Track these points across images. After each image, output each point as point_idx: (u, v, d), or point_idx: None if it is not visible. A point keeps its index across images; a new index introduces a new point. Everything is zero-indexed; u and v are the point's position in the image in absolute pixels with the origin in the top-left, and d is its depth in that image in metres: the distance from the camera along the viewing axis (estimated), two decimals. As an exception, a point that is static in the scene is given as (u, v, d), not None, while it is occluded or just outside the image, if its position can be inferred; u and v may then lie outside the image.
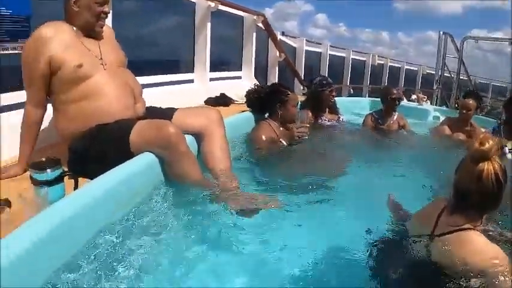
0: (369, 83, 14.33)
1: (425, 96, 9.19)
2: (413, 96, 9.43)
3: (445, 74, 8.00)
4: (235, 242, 2.05)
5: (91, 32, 2.55)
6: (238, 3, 6.30)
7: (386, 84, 16.32)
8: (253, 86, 3.80)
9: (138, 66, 4.48)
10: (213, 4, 5.60)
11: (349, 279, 1.84)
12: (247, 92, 3.76)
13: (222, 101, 5.04)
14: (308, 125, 3.54)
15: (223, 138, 2.72)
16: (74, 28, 2.49)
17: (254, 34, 7.18)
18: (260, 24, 7.18)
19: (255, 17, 7.00)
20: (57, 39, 2.37)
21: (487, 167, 1.60)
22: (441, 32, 7.62)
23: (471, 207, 1.69)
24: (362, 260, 1.85)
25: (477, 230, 1.68)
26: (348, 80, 13.98)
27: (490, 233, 1.92)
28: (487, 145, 1.60)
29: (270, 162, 3.15)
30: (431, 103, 8.30)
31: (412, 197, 2.04)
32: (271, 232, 2.17)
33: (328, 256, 1.96)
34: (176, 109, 2.77)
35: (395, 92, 4.76)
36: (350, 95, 11.22)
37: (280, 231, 2.20)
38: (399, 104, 4.76)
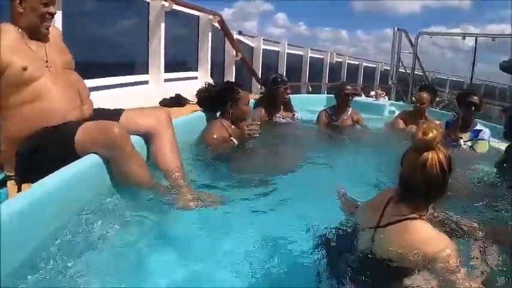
0: (328, 81, 14.58)
1: (384, 92, 9.45)
2: (372, 93, 9.68)
3: (402, 70, 8.27)
4: (184, 241, 2.09)
5: (36, 33, 2.50)
6: (194, 3, 6.30)
7: (345, 81, 16.67)
8: (204, 85, 3.81)
9: (92, 68, 4.43)
10: (167, 4, 5.58)
11: (299, 274, 1.88)
12: (198, 91, 3.76)
13: (177, 101, 5.03)
14: (259, 123, 3.57)
15: (172, 138, 2.74)
16: (19, 30, 2.45)
17: (210, 34, 7.20)
18: (216, 24, 7.22)
19: (210, 17, 7.02)
20: (1, 42, 2.32)
21: (431, 156, 1.64)
22: (395, 28, 7.93)
23: (416, 196, 1.71)
24: (312, 254, 1.88)
25: (423, 219, 1.71)
26: (307, 77, 14.18)
27: (439, 219, 2.02)
28: (430, 135, 1.63)
29: (221, 161, 3.17)
30: (389, 98, 8.56)
31: (363, 190, 2.12)
32: (220, 230, 2.21)
33: (278, 252, 1.98)
34: (124, 110, 2.76)
35: (348, 87, 4.89)
36: (309, 93, 11.38)
37: (231, 228, 2.23)
38: (352, 99, 4.90)
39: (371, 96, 8.49)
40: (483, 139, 4.09)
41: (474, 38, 7.41)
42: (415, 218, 1.69)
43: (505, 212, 2.53)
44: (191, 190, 2.51)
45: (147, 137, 2.71)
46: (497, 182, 3.08)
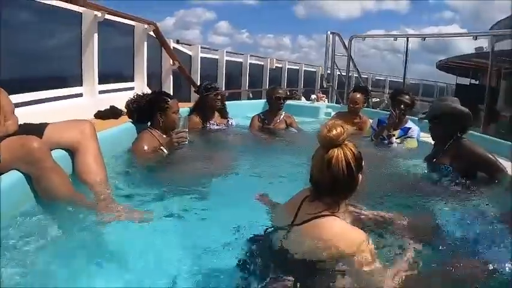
0: (268, 86, 14.87)
1: (324, 95, 9.80)
2: (313, 96, 10.00)
3: (343, 73, 8.58)
4: (108, 255, 2.07)
5: None
6: (139, 12, 6.29)
7: (286, 86, 17.07)
8: (133, 96, 3.77)
9: (23, 82, 4.36)
10: (99, 14, 5.59)
11: (227, 277, 1.87)
12: (127, 102, 3.72)
13: (112, 113, 4.97)
14: (187, 130, 3.56)
15: (96, 150, 2.72)
16: None
17: (145, 43, 7.24)
18: (152, 33, 7.29)
19: (145, 26, 7.07)
20: None
21: (337, 153, 1.68)
22: (329, 32, 8.24)
23: (326, 193, 1.75)
24: (239, 256, 1.89)
25: (336, 216, 1.75)
26: (247, 84, 14.44)
27: (358, 214, 2.12)
28: (334, 131, 1.67)
29: (152, 172, 3.21)
30: (329, 101, 8.88)
31: (291, 190, 2.19)
32: (146, 242, 2.21)
33: (206, 256, 2.00)
34: (48, 124, 2.70)
35: (279, 91, 5.05)
36: (249, 99, 11.59)
37: (157, 238, 2.24)
38: (284, 103, 5.06)
39: (312, 100, 8.77)
40: (412, 137, 4.37)
41: (405, 38, 7.84)
42: (327, 215, 1.73)
43: (427, 204, 2.71)
44: (116, 204, 2.50)
45: (72, 151, 2.69)
46: (424, 176, 3.27)
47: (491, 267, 1.90)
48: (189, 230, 2.34)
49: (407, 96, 4.42)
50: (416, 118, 4.14)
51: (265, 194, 2.43)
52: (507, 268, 1.89)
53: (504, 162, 3.92)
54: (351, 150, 1.71)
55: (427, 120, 3.45)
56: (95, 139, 2.74)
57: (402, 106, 4.34)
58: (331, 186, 1.72)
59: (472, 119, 3.21)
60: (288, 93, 5.62)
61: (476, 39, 7.07)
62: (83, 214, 2.32)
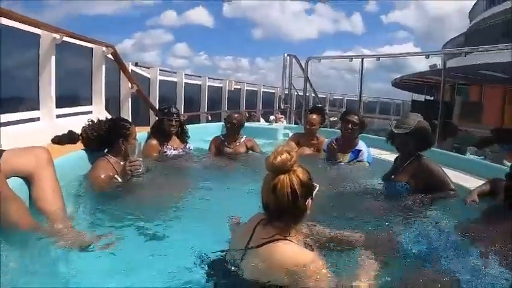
0: (227, 108, 15.03)
1: (283, 116, 10.01)
2: (272, 117, 10.18)
3: (301, 94, 8.79)
4: (66, 281, 2.06)
5: None
6: (96, 34, 6.28)
7: (244, 107, 17.29)
8: (87, 122, 3.66)
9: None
10: (58, 36, 5.56)
11: None
12: (82, 129, 3.61)
13: (70, 138, 4.86)
14: (141, 159, 3.49)
15: (52, 177, 2.67)
16: None
17: (103, 66, 7.22)
18: (110, 56, 7.26)
19: (104, 49, 7.04)
20: None
21: (283, 179, 1.76)
22: (286, 54, 8.49)
23: (275, 217, 1.82)
24: (200, 280, 1.96)
25: (288, 239, 1.80)
26: (206, 107, 14.54)
27: (314, 236, 2.14)
28: (279, 158, 1.75)
29: (109, 200, 3.14)
30: (288, 122, 9.06)
31: (250, 214, 2.13)
32: (102, 269, 2.21)
33: (165, 283, 2.02)
34: (4, 151, 2.63)
35: (235, 116, 5.05)
36: (208, 122, 11.67)
37: (114, 266, 2.23)
38: (242, 127, 5.07)
39: (270, 121, 8.93)
40: (362, 160, 4.46)
41: (360, 59, 8.15)
42: (279, 239, 1.79)
43: (385, 220, 2.79)
44: (72, 231, 2.48)
45: (28, 178, 2.63)
46: (382, 194, 3.39)
47: (451, 277, 2.03)
48: (147, 255, 2.32)
49: (355, 116, 4.52)
50: (370, 136, 4.19)
51: (235, 219, 2.44)
52: (466, 275, 2.03)
53: (458, 175, 4.13)
54: (298, 176, 1.79)
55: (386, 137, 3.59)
56: (51, 166, 2.70)
57: (350, 126, 4.44)
58: (277, 211, 1.80)
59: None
60: (246, 116, 5.66)
61: (428, 57, 7.42)
62: (40, 242, 2.28)
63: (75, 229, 2.50)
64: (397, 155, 3.64)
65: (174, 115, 4.67)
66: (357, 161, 4.45)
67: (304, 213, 1.87)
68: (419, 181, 3.21)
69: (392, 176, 3.42)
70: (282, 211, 1.79)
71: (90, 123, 3.61)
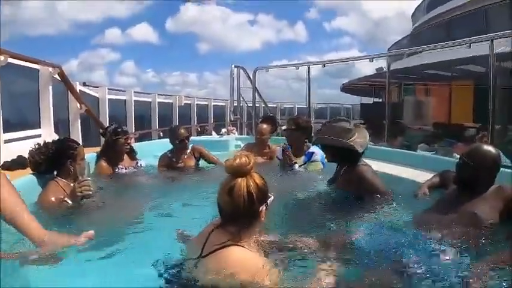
0: (178, 123, 15.08)
1: (234, 128, 10.15)
2: (223, 130, 10.31)
3: (250, 105, 8.95)
4: None
5: None
6: (40, 55, 6.21)
7: (196, 122, 17.39)
8: (34, 146, 3.60)
9: None
10: (2, 58, 5.47)
11: None
12: (29, 153, 3.56)
13: (20, 163, 4.79)
14: (89, 178, 3.42)
15: (6, 181, 2.51)
16: None
17: (51, 87, 7.15)
18: (57, 76, 7.22)
19: (50, 69, 6.99)
20: None
21: (240, 182, 1.81)
22: (233, 66, 8.58)
23: (231, 222, 1.86)
24: None
25: (240, 244, 1.83)
26: (157, 123, 14.55)
27: (267, 241, 2.17)
28: (238, 160, 1.82)
29: (61, 224, 3.04)
30: (239, 133, 9.21)
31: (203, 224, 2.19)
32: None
33: None
34: None
35: (181, 131, 5.03)
36: (160, 138, 11.69)
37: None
38: (188, 141, 5.07)
39: (222, 134, 9.04)
40: (316, 161, 4.59)
41: (307, 66, 8.42)
42: (231, 245, 1.82)
43: (336, 223, 2.85)
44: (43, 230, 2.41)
45: None
46: (326, 199, 3.46)
47: (407, 268, 2.11)
48: (101, 274, 2.32)
49: (291, 122, 4.72)
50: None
51: (184, 231, 2.45)
52: (423, 265, 2.13)
53: (411, 171, 4.41)
54: (255, 181, 1.85)
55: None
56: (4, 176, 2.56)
57: (288, 132, 4.67)
58: (232, 213, 1.85)
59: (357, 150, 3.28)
60: (198, 130, 5.65)
61: (372, 61, 7.69)
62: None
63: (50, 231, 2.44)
64: None
65: (128, 134, 4.68)
66: (311, 162, 4.59)
67: (258, 219, 1.92)
68: (353, 188, 3.27)
69: (335, 183, 3.52)
70: (237, 214, 1.84)
71: (37, 146, 3.57)
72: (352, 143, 3.27)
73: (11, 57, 5.70)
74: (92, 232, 2.37)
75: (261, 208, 1.90)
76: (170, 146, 5.07)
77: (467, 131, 9.96)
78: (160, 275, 2.04)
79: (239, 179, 1.83)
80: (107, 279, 2.22)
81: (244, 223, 1.88)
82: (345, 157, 3.37)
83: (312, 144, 3.91)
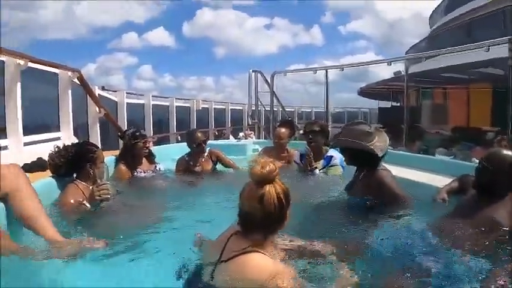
0: (196, 127, 15.11)
1: (252, 132, 10.12)
2: (241, 134, 10.28)
3: (268, 109, 8.92)
4: None
5: None
6: (56, 59, 6.27)
7: (213, 126, 17.42)
8: (53, 149, 3.61)
9: None
10: (22, 62, 5.56)
11: None
12: (49, 156, 3.57)
13: (40, 165, 4.84)
14: (108, 182, 3.43)
15: (29, 186, 2.68)
16: None
17: (70, 91, 7.23)
18: (76, 80, 7.28)
19: (69, 73, 7.06)
20: None
21: (269, 189, 1.78)
22: (251, 71, 8.55)
23: (255, 229, 1.84)
24: None
25: (261, 251, 1.82)
26: (175, 127, 14.60)
27: (285, 247, 2.16)
28: (267, 168, 1.78)
29: (81, 226, 3.04)
30: (257, 137, 9.18)
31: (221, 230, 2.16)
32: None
33: None
34: None
35: (198, 135, 5.00)
36: (178, 142, 11.72)
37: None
38: (205, 145, 5.02)
39: (240, 138, 9.00)
40: (335, 165, 4.56)
41: (325, 70, 8.37)
42: (251, 251, 1.81)
43: (353, 229, 2.82)
44: (64, 238, 2.52)
45: (5, 197, 2.63)
46: (345, 204, 3.40)
47: (425, 273, 2.09)
48: (121, 277, 2.31)
49: (314, 125, 4.68)
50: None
51: (203, 237, 2.40)
52: (441, 271, 2.10)
53: (429, 175, 4.32)
54: (281, 186, 1.84)
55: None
56: (24, 176, 2.73)
57: (310, 135, 4.59)
58: (262, 221, 1.82)
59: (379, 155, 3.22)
60: (216, 134, 5.64)
61: (390, 64, 7.57)
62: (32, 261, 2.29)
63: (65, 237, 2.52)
64: None
65: (146, 137, 4.68)
66: (330, 166, 4.55)
67: (283, 224, 1.90)
68: (372, 195, 3.20)
69: (353, 189, 3.44)
70: (266, 221, 1.82)
71: (57, 149, 3.58)
72: (372, 147, 3.20)
73: (31, 61, 5.77)
74: (104, 243, 2.45)
75: (288, 213, 1.89)
76: (188, 150, 5.05)
77: (486, 135, 9.79)
78: (179, 279, 2.04)
79: (267, 186, 1.80)
80: (125, 282, 2.23)
81: (271, 228, 1.88)
82: (364, 161, 3.29)
83: (331, 147, 3.84)
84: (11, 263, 2.22)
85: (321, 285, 1.95)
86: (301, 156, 4.66)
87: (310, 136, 4.62)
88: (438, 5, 22.28)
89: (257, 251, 1.81)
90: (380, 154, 3.21)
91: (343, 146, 3.49)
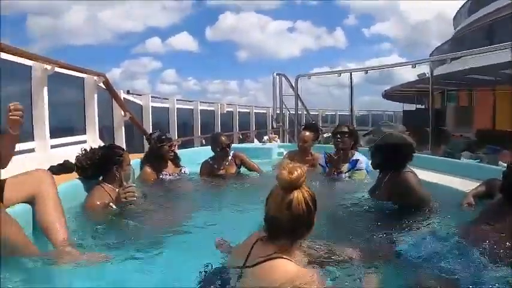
0: (220, 131, 15.13)
1: (276, 136, 10.10)
2: (265, 137, 10.26)
3: (292, 112, 8.90)
4: None
5: None
6: (82, 64, 6.37)
7: (238, 130, 17.45)
8: (80, 152, 3.67)
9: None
10: (49, 67, 5.64)
11: None
12: (77, 159, 3.63)
13: (66, 168, 4.90)
14: (134, 185, 3.51)
15: (55, 196, 2.74)
16: None
17: (96, 95, 7.32)
18: (102, 85, 7.38)
19: (95, 78, 7.14)
20: None
21: (297, 195, 1.75)
22: (275, 74, 8.57)
23: (282, 235, 1.81)
24: None
25: (287, 257, 1.79)
26: (199, 130, 14.66)
27: (310, 252, 2.13)
28: (295, 174, 1.75)
29: (107, 227, 3.13)
30: (281, 141, 9.16)
31: (245, 234, 2.15)
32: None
33: None
34: (5, 180, 2.69)
35: (222, 139, 5.03)
36: (202, 146, 11.77)
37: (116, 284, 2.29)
38: (230, 148, 5.05)
39: (264, 141, 8.99)
40: (360, 169, 4.56)
41: (349, 73, 8.32)
42: (278, 257, 1.78)
43: (379, 234, 2.76)
44: (74, 249, 2.51)
45: (32, 200, 2.70)
46: (371, 208, 3.37)
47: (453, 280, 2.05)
48: (146, 279, 2.33)
49: (345, 127, 4.67)
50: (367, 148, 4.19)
51: (224, 240, 2.42)
52: (470, 277, 2.06)
53: (455, 179, 4.26)
54: (308, 191, 1.81)
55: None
56: (53, 185, 2.79)
57: (340, 137, 4.59)
58: (291, 227, 1.79)
59: (413, 149, 3.30)
60: (240, 138, 5.64)
61: (414, 67, 7.52)
62: (40, 264, 2.34)
63: (76, 249, 2.54)
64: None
65: (171, 141, 4.74)
66: (356, 170, 4.54)
67: (311, 230, 1.88)
68: (397, 198, 3.18)
69: (377, 192, 3.42)
70: (295, 227, 1.80)
71: (84, 152, 3.64)
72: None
73: (58, 66, 5.86)
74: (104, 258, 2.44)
75: (314, 218, 1.86)
76: (212, 154, 5.09)
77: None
78: (200, 283, 2.03)
79: (295, 192, 1.77)
80: (147, 284, 2.26)
81: (299, 234, 1.85)
82: (397, 160, 3.26)
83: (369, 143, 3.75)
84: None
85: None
86: (330, 158, 4.63)
87: (339, 137, 4.61)
88: (462, 6, 21.92)
89: (283, 257, 1.79)
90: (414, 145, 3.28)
91: (388, 141, 3.39)
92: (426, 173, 4.36)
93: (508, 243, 2.33)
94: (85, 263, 2.37)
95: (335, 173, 4.54)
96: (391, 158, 3.27)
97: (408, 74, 16.37)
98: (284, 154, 5.89)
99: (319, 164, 4.84)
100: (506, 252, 2.26)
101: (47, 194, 2.72)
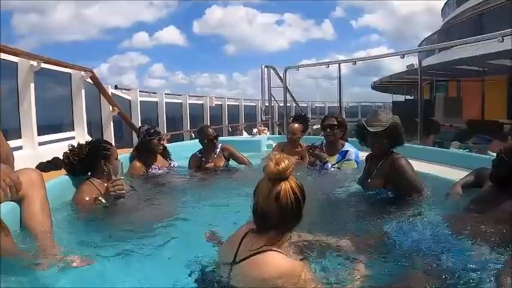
0: (209, 124, 15.10)
1: (266, 128, 10.08)
2: (255, 130, 10.23)
3: (281, 104, 8.87)
4: None
5: None
6: (70, 60, 6.29)
7: (227, 122, 17.42)
8: (69, 149, 3.62)
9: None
10: (35, 63, 5.58)
11: None
12: (64, 155, 3.59)
13: (55, 165, 4.85)
14: (123, 178, 3.47)
15: (43, 197, 2.70)
16: None
17: (83, 91, 7.26)
18: (89, 80, 7.31)
19: (82, 73, 7.08)
20: None
21: (284, 186, 1.74)
22: (263, 66, 8.53)
23: (272, 226, 1.79)
24: None
25: (276, 249, 1.79)
26: (188, 124, 14.61)
27: (300, 243, 2.14)
28: (282, 165, 1.73)
29: (96, 222, 3.13)
30: (271, 133, 9.13)
31: (234, 227, 2.13)
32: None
33: None
34: None
35: (210, 131, 5.01)
36: (192, 139, 11.74)
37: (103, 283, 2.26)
38: (217, 140, 5.03)
39: (253, 134, 8.95)
40: (350, 159, 4.54)
41: (337, 64, 8.29)
42: (267, 250, 1.77)
43: (369, 223, 2.78)
44: (58, 251, 2.46)
45: (19, 199, 2.64)
46: (360, 197, 3.39)
47: (442, 267, 2.07)
48: (137, 273, 2.30)
49: (333, 118, 4.63)
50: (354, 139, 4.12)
51: (214, 232, 2.42)
52: (460, 265, 2.06)
53: (444, 169, 4.31)
54: (296, 182, 1.79)
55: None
56: (43, 186, 2.74)
57: (329, 129, 4.56)
58: (279, 218, 1.77)
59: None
60: (230, 130, 5.59)
61: (403, 57, 7.48)
62: (25, 266, 2.30)
63: (60, 251, 2.49)
64: (368, 154, 3.64)
65: (161, 134, 4.71)
66: (345, 161, 4.52)
67: (300, 219, 1.85)
68: (393, 183, 3.19)
69: (369, 180, 3.40)
70: (284, 218, 1.77)
71: (71, 148, 3.61)
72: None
73: (44, 62, 5.79)
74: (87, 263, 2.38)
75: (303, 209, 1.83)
76: (201, 147, 5.07)
77: (502, 128, 9.63)
78: (191, 277, 2.01)
79: (283, 184, 1.75)
80: (138, 280, 2.21)
81: (288, 225, 1.83)
82: (394, 143, 3.30)
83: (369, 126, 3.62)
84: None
85: (337, 280, 1.92)
86: (314, 148, 4.60)
87: (329, 130, 4.58)
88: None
89: (273, 250, 1.77)
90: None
91: (384, 127, 3.30)
92: (417, 163, 4.34)
93: (497, 230, 2.36)
94: (67, 265, 2.33)
95: (321, 162, 4.52)
96: (396, 140, 3.31)
97: (397, 65, 16.41)
98: (273, 146, 5.87)
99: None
100: (495, 239, 2.27)
101: (36, 195, 2.67)
